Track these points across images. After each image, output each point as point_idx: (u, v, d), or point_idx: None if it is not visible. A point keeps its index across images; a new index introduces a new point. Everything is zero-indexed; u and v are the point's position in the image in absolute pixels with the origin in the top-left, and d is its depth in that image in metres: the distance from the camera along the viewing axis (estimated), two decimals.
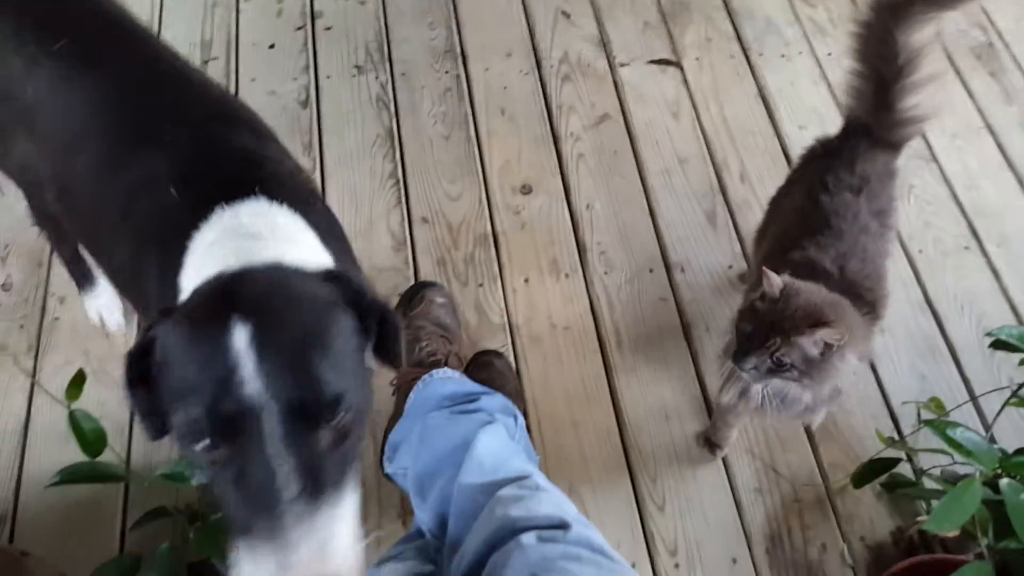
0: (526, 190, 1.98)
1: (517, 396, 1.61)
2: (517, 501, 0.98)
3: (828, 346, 1.11)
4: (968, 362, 1.79)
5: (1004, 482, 1.13)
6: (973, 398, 1.71)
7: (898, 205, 1.38)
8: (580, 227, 1.92)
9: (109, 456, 1.18)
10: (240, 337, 0.66)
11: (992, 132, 2.14)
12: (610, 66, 2.20)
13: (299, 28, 2.22)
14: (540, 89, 2.15)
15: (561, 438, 1.64)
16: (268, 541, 0.62)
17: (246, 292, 0.72)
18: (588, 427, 1.65)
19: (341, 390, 0.67)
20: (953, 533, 1.52)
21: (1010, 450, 1.36)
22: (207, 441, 0.65)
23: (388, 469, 1.31)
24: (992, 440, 1.67)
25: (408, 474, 1.19)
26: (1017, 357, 1.32)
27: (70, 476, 1.16)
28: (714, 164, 2.04)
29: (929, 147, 2.10)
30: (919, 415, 1.64)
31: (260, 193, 0.90)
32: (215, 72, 2.11)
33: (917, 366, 1.78)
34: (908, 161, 2.08)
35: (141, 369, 0.74)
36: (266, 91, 2.08)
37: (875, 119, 1.34)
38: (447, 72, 2.16)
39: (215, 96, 1.13)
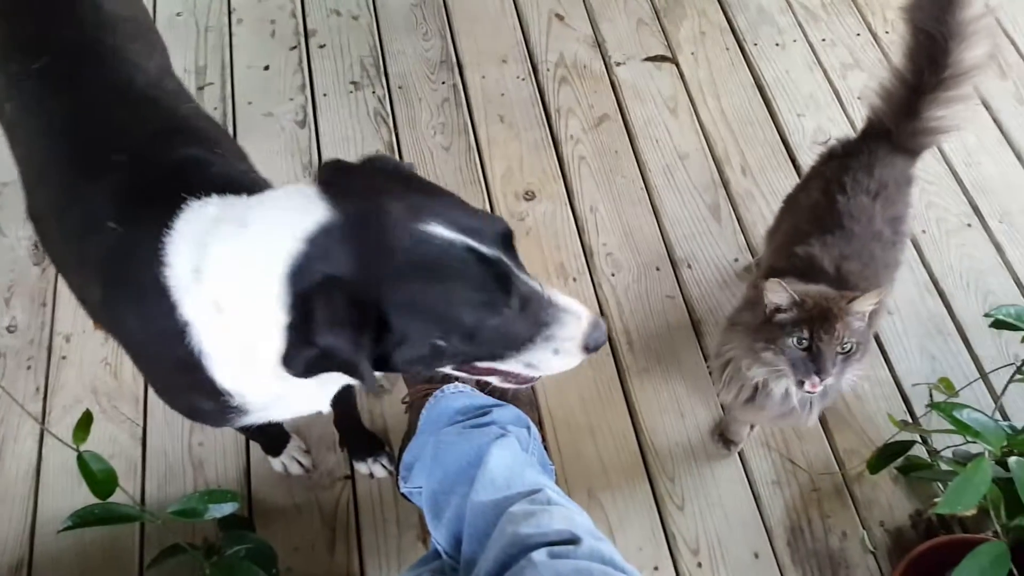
0: (529, 196, 1.99)
1: (531, 405, 1.62)
2: (528, 517, 0.99)
3: (866, 313, 1.12)
4: (976, 339, 1.79)
5: (1013, 460, 1.13)
6: (983, 375, 1.72)
7: (913, 212, 1.38)
8: (585, 230, 1.94)
9: (122, 495, 1.19)
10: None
11: (988, 107, 2.14)
12: (606, 66, 2.21)
13: (293, 48, 2.23)
14: (537, 93, 2.16)
15: (578, 444, 1.65)
16: (565, 310, 0.82)
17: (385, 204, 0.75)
18: (604, 431, 1.67)
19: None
20: (970, 512, 1.54)
21: (1021, 425, 1.36)
22: (497, 294, 0.76)
23: (403, 489, 1.32)
24: (1004, 416, 1.68)
25: (422, 493, 1.20)
26: (1021, 335, 1.32)
27: (81, 520, 1.15)
28: (714, 158, 2.05)
29: None
30: (931, 396, 1.66)
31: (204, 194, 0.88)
32: (211, 97, 2.12)
33: (927, 347, 1.78)
34: None
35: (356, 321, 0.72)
36: (263, 113, 2.10)
37: (897, 123, 1.34)
38: (444, 82, 2.17)
39: (165, 112, 1.11)
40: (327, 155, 2.04)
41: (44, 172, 1.06)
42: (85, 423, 1.16)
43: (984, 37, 1.26)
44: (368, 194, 0.74)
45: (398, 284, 0.71)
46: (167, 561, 1.31)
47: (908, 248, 1.87)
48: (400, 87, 2.16)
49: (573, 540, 0.94)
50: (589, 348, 0.85)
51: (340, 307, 0.69)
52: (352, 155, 2.00)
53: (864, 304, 1.10)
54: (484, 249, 0.74)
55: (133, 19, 1.24)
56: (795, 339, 1.10)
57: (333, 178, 0.77)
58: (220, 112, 2.10)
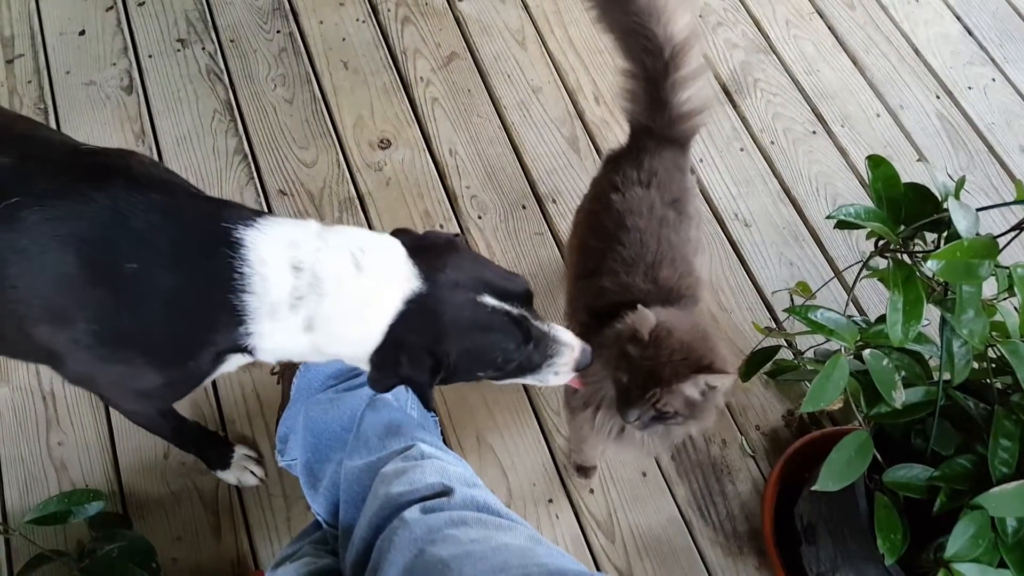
0: (384, 144, 1.92)
1: None
2: (400, 475, 0.96)
3: (711, 387, 1.05)
4: (830, 241, 1.88)
5: (867, 352, 1.19)
6: (837, 274, 1.81)
7: (694, 196, 1.33)
8: (446, 174, 1.89)
9: None
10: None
11: (822, 15, 2.22)
12: (448, 1, 2.14)
13: (109, 8, 2.04)
14: (380, 36, 2.07)
15: (462, 391, 1.63)
16: (563, 344, 1.05)
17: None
18: None
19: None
20: (837, 406, 1.63)
21: (875, 318, 1.43)
22: (521, 342, 1.01)
23: (281, 462, 1.27)
24: (860, 311, 1.78)
25: (298, 464, 1.16)
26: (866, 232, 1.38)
27: None
28: (567, 89, 2.03)
29: (766, 38, 2.16)
30: (792, 300, 1.73)
31: None
32: (24, 71, 1.92)
33: (784, 254, 1.86)
34: (750, 56, 2.13)
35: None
36: (84, 82, 1.92)
37: (653, 118, 1.31)
38: (279, 32, 2.05)
39: None
40: (160, 120, 1.89)
41: None
42: None
43: (680, 4, 1.23)
44: (442, 268, 0.97)
45: (462, 339, 0.96)
46: (34, 572, 1.22)
47: (759, 160, 1.96)
48: (232, 40, 2.02)
49: (445, 492, 0.92)
50: (577, 369, 1.08)
51: (422, 356, 0.95)
52: (188, 117, 1.89)
53: (696, 382, 1.03)
54: (515, 311, 1.00)
55: None
56: (621, 373, 1.08)
57: (413, 245, 0.99)
58: (35, 86, 1.91)
